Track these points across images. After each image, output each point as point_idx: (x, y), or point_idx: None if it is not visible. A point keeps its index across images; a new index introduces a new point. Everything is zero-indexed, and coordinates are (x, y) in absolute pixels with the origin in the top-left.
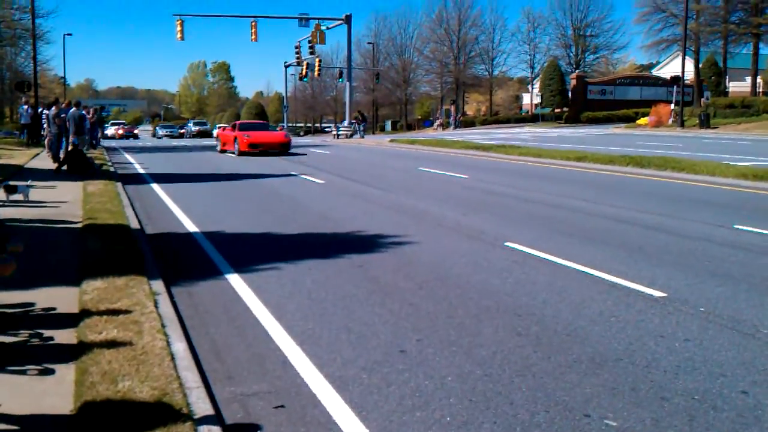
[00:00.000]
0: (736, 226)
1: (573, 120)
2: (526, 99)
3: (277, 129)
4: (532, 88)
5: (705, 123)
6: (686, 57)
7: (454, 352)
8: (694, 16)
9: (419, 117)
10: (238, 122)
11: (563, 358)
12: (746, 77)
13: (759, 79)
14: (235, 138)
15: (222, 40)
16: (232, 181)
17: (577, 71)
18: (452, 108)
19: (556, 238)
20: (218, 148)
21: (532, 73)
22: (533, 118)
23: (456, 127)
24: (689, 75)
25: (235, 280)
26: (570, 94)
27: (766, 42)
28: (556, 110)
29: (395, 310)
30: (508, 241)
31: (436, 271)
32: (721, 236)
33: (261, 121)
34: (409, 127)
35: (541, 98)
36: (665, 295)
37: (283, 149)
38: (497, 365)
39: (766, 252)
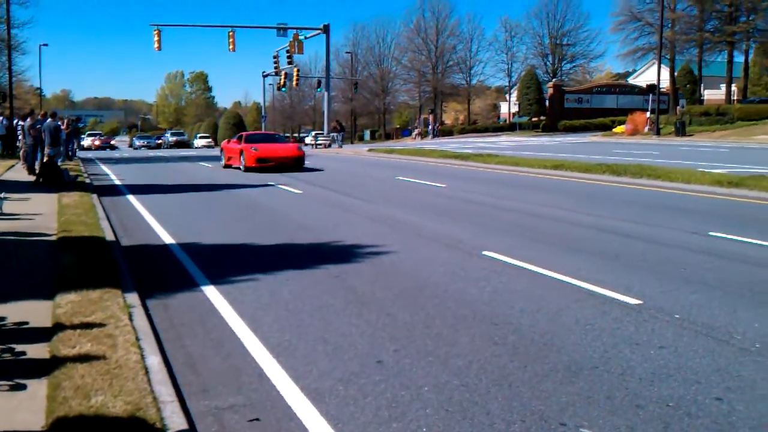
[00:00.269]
0: (711, 233)
1: (550, 129)
2: (503, 108)
3: (289, 141)
4: (510, 97)
5: (681, 131)
6: (662, 65)
7: (431, 362)
8: (670, 25)
9: (398, 126)
10: (244, 134)
11: (539, 367)
12: (721, 85)
13: (733, 87)
14: (241, 151)
15: (200, 50)
16: (210, 192)
17: (554, 80)
18: (430, 117)
19: (533, 246)
20: (222, 162)
21: (509, 82)
22: (511, 127)
23: (434, 136)
24: (665, 83)
25: (211, 291)
26: (547, 103)
27: (740, 50)
28: (534, 119)
29: (372, 320)
30: (485, 250)
31: (413, 280)
32: (697, 243)
33: (270, 132)
34: (388, 137)
35: (519, 107)
36: (641, 302)
37: (296, 164)
38: (474, 375)
39: (740, 259)
